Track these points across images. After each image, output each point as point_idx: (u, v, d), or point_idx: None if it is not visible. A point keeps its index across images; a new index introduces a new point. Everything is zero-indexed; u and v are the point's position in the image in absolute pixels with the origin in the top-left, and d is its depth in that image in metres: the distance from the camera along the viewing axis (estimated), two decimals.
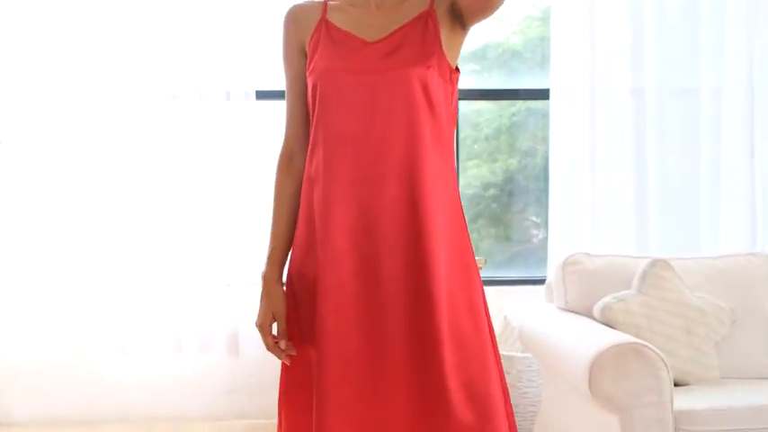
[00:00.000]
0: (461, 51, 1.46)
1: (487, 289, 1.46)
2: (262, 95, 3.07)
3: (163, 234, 2.98)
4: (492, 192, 3.34)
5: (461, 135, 3.26)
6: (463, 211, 1.41)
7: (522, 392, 2.75)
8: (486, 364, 1.32)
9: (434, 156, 1.34)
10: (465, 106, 3.28)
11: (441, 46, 1.37)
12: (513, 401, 1.84)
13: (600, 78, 2.98)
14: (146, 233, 2.95)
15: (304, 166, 1.40)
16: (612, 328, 2.23)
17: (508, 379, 2.22)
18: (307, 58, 1.43)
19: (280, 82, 1.53)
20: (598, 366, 1.89)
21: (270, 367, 2.28)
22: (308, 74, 1.41)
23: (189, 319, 2.97)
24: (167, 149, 2.99)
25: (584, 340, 2.09)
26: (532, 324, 2.48)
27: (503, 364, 1.67)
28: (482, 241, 3.31)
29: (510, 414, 1.35)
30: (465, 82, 3.23)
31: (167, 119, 3.00)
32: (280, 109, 1.58)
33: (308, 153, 1.39)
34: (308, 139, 1.40)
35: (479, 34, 3.21)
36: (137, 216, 2.95)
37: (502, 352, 2.20)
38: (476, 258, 1.45)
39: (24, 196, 2.99)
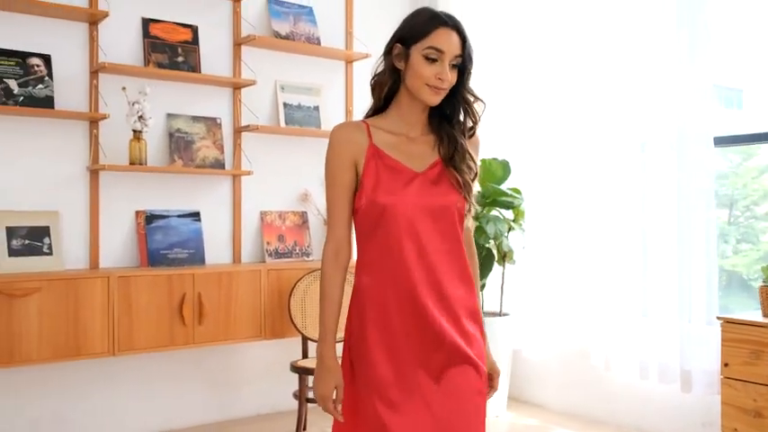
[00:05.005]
0: None
1: None
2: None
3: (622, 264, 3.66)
4: None
5: None
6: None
7: None
8: None
9: (463, 258, 1.74)
10: None
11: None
12: None
13: None
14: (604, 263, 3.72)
15: (348, 261, 1.74)
16: None
17: None
18: (357, 174, 1.72)
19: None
20: None
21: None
22: (371, 195, 1.69)
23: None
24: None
25: None
26: None
27: None
28: None
29: None
30: None
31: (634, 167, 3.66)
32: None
33: (368, 261, 1.72)
34: (350, 238, 1.74)
35: None
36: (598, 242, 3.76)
37: None
38: None
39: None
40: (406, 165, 1.73)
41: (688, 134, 3.33)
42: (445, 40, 1.68)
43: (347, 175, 1.72)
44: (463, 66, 1.73)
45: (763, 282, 2.94)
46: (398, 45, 1.73)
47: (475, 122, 1.79)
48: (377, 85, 1.79)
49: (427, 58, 1.68)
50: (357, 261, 1.75)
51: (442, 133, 1.77)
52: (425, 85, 1.69)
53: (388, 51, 1.76)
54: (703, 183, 3.30)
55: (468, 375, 1.68)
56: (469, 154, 1.76)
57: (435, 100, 1.72)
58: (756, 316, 2.90)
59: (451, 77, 1.70)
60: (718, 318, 2.94)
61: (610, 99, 3.67)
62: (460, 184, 1.73)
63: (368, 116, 1.82)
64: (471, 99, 1.78)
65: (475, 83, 2.48)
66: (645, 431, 3.63)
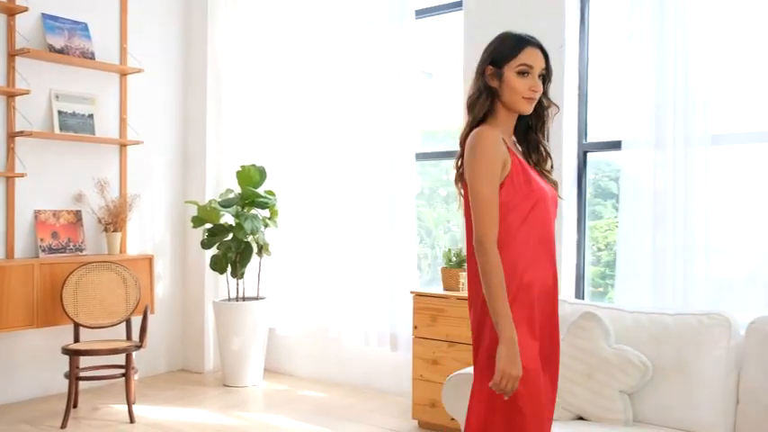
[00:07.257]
0: None
1: None
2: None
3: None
4: None
5: None
6: None
7: None
8: None
9: None
10: None
11: None
12: None
13: None
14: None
15: None
16: None
17: None
18: (502, 174, 1.84)
19: None
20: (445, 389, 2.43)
21: None
22: (525, 187, 1.86)
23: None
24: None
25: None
26: None
27: None
28: None
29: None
30: None
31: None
32: None
33: (519, 246, 1.84)
34: None
35: None
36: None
37: None
38: None
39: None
40: (525, 164, 1.92)
41: (400, 151, 4.23)
42: (533, 57, 1.89)
43: (498, 175, 1.84)
44: (544, 77, 1.94)
45: (445, 264, 3.88)
46: (491, 67, 1.91)
47: (544, 122, 1.99)
48: (475, 103, 1.93)
49: (520, 74, 1.88)
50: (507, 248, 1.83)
51: (529, 140, 2.00)
52: (522, 98, 1.88)
53: (482, 73, 1.93)
54: (408, 188, 4.21)
55: None
56: (550, 157, 2.01)
57: (529, 109, 1.91)
58: (438, 289, 3.84)
59: (539, 87, 1.91)
60: (411, 292, 3.85)
61: (352, 116, 4.45)
62: (555, 183, 2.00)
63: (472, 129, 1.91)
64: (546, 104, 1.98)
65: (238, 96, 3.22)
66: (372, 387, 4.50)
